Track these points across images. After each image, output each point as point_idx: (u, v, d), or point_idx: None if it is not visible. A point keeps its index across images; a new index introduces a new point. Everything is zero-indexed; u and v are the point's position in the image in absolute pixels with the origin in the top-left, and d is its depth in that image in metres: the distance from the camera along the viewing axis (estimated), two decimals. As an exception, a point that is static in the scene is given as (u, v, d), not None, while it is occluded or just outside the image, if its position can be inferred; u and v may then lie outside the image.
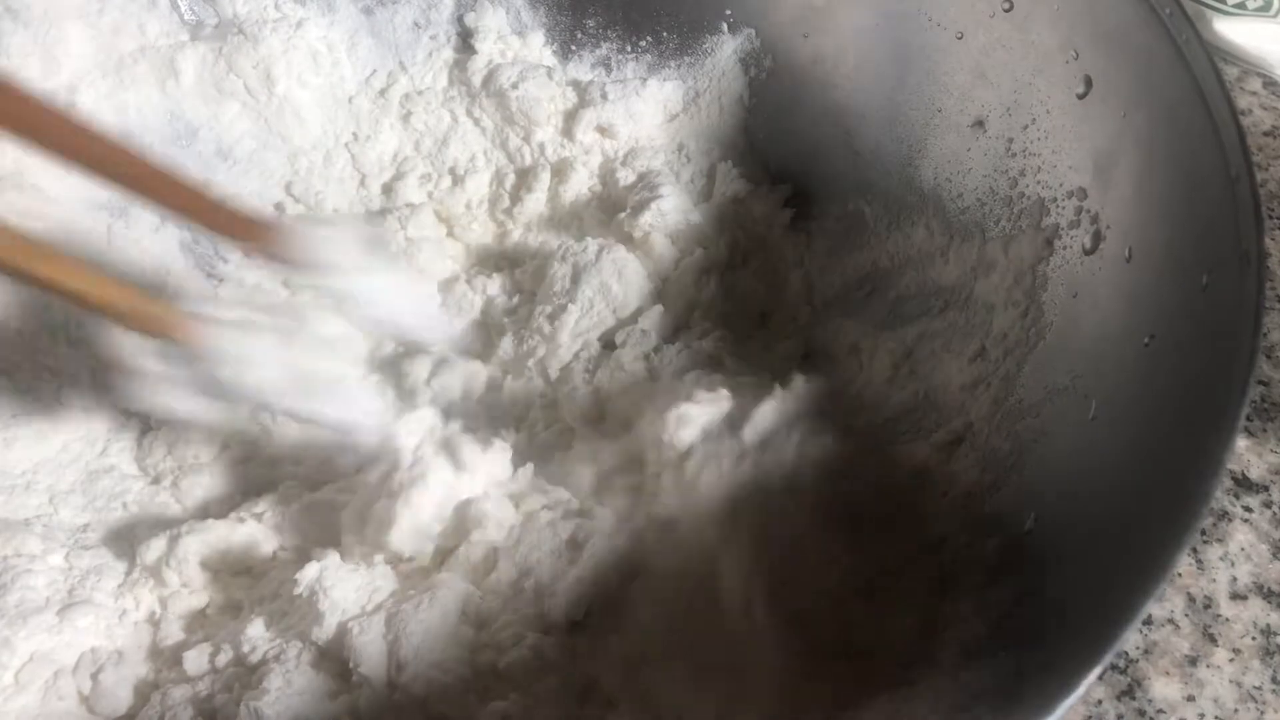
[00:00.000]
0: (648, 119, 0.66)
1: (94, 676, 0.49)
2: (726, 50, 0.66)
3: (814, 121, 0.64)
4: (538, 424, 0.58)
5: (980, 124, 0.54)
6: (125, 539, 0.54)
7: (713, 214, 0.64)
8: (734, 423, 0.51)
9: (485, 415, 0.58)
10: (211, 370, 0.45)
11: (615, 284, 0.60)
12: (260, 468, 0.58)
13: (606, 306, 0.60)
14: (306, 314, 0.49)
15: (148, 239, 0.63)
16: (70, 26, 0.60)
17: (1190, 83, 0.41)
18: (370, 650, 0.46)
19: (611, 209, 0.65)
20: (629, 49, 0.67)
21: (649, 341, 0.59)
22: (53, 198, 0.59)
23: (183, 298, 0.54)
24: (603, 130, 0.66)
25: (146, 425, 0.59)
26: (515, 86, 0.65)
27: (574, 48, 0.68)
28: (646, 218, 0.61)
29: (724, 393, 0.52)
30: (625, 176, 0.65)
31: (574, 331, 0.59)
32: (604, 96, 0.65)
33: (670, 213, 0.61)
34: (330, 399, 0.49)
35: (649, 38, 0.67)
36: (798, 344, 0.61)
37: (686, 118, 0.67)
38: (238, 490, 0.57)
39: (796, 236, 0.64)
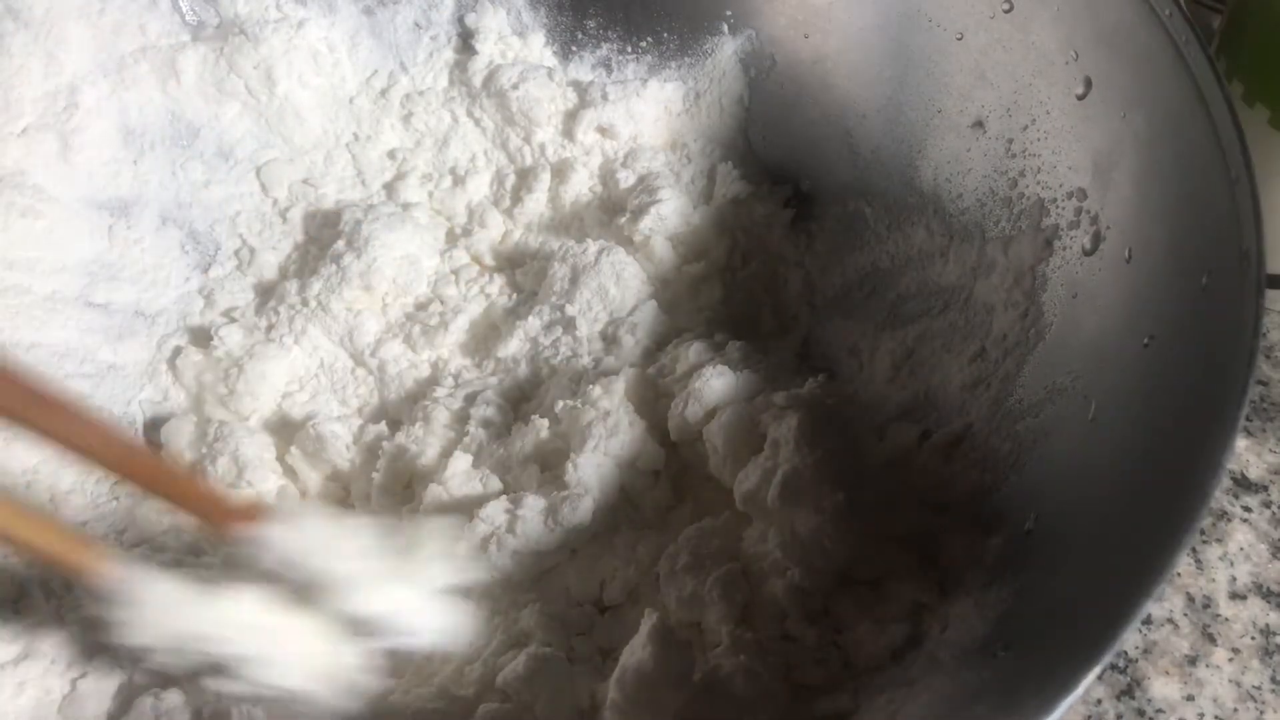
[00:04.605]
0: (648, 119, 0.66)
1: (84, 678, 0.49)
2: (727, 51, 0.66)
3: (814, 122, 0.64)
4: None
5: (980, 124, 0.54)
6: (125, 537, 0.54)
7: (713, 216, 0.64)
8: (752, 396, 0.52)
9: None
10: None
11: (613, 287, 0.60)
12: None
13: (604, 309, 0.60)
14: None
15: (149, 239, 0.63)
16: (71, 27, 0.60)
17: (1189, 84, 0.41)
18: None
19: (612, 210, 0.65)
20: (629, 50, 0.67)
21: (639, 333, 0.59)
22: (53, 197, 0.60)
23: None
24: (603, 131, 0.66)
25: (151, 427, 0.59)
26: (516, 87, 0.65)
27: (574, 48, 0.68)
28: (647, 222, 0.61)
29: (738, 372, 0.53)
30: (625, 178, 0.65)
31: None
32: (604, 97, 0.65)
33: (670, 216, 0.62)
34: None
35: (649, 38, 0.67)
36: (797, 343, 0.61)
37: (687, 118, 0.67)
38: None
39: (796, 237, 0.64)
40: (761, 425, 0.50)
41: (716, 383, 0.53)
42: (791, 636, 0.46)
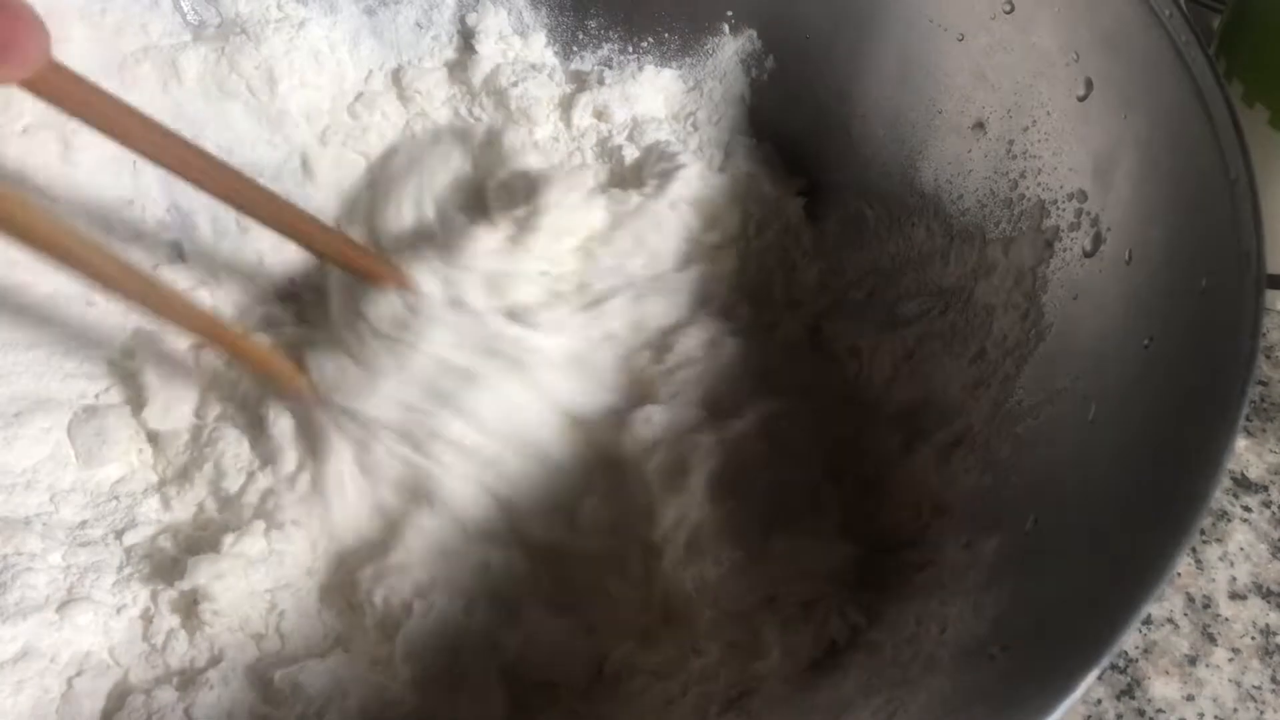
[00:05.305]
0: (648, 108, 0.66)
1: (80, 676, 0.49)
2: (727, 51, 0.66)
3: (814, 123, 0.64)
4: None
5: (981, 126, 0.54)
6: (125, 536, 0.54)
7: (726, 186, 0.63)
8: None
9: None
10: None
11: (652, 234, 0.59)
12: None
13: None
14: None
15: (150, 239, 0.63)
16: (73, 27, 0.60)
17: (1190, 85, 0.41)
18: None
19: (621, 185, 0.63)
20: (630, 50, 0.67)
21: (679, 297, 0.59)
22: (53, 197, 0.60)
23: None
24: (599, 115, 0.65)
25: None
26: (515, 85, 0.65)
27: (575, 48, 0.68)
28: (676, 188, 0.60)
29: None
30: (631, 153, 0.64)
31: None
32: (601, 81, 0.65)
33: (694, 180, 0.60)
34: None
35: (650, 39, 0.67)
36: (809, 318, 0.61)
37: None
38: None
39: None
40: (690, 462, 0.51)
41: (650, 424, 0.53)
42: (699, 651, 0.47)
